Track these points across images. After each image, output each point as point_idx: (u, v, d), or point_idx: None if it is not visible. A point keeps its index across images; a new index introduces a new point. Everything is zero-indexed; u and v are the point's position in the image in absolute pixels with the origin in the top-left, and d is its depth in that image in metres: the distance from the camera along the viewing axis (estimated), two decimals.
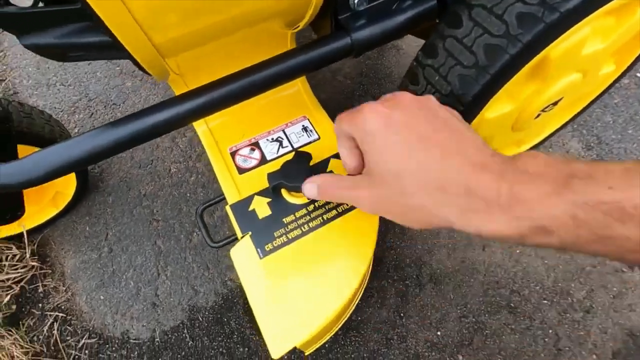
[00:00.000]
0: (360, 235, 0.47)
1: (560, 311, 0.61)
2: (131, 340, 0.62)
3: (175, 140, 0.82)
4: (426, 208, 0.27)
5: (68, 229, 0.73)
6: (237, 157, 0.56)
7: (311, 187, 0.38)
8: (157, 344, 0.61)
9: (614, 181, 0.21)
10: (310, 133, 0.58)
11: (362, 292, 0.59)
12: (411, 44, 0.95)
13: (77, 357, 0.60)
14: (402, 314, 0.62)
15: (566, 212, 0.22)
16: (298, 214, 0.45)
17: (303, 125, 0.59)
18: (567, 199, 0.22)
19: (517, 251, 0.66)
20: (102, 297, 0.66)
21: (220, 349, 0.61)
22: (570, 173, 0.23)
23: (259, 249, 0.44)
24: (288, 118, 0.60)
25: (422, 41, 0.48)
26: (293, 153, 0.52)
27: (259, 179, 0.54)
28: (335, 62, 0.47)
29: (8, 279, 0.64)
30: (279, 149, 0.57)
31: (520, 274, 0.65)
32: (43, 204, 0.69)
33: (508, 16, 0.37)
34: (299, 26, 0.48)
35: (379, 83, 0.89)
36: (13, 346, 0.55)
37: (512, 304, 0.62)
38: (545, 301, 0.62)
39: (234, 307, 0.64)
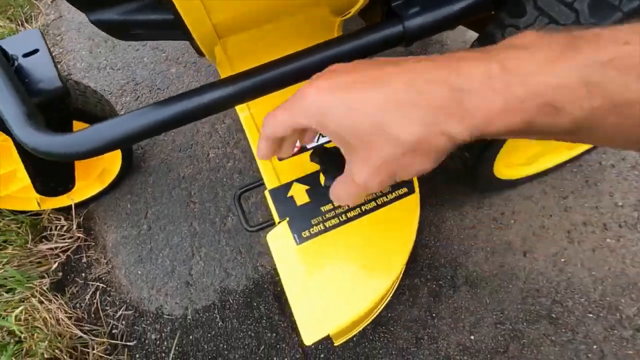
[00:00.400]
0: (398, 229, 0.46)
1: (607, 327, 0.58)
2: (165, 316, 0.64)
3: (215, 127, 0.84)
4: (422, 139, 0.22)
5: (111, 205, 0.76)
6: None
7: (337, 200, 0.33)
8: (188, 321, 0.63)
9: (629, 36, 0.17)
10: None
11: (395, 288, 0.58)
12: (456, 40, 0.92)
13: (115, 326, 0.63)
14: (434, 314, 0.60)
15: (576, 76, 0.18)
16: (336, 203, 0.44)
17: None
18: (575, 61, 0.18)
19: (562, 260, 0.63)
20: (139, 272, 0.68)
21: (249, 332, 0.61)
22: (572, 37, 0.19)
23: (295, 235, 0.43)
24: None
25: (471, 35, 0.46)
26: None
27: (298, 166, 0.54)
28: (378, 53, 0.46)
29: (56, 248, 0.68)
30: (319, 137, 0.57)
31: (564, 284, 0.61)
32: (90, 180, 0.73)
33: (579, 4, 0.34)
34: (349, 12, 0.47)
35: None
36: (59, 310, 0.59)
37: (553, 315, 0.59)
38: (591, 315, 0.58)
39: (264, 293, 0.64)
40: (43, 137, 0.39)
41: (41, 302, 0.59)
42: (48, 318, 0.57)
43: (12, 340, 0.56)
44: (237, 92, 0.43)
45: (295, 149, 0.57)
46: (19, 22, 1.12)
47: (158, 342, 0.62)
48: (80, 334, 0.58)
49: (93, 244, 0.72)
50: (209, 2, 0.30)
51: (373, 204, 0.45)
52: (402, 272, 0.48)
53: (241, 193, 0.57)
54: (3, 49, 0.51)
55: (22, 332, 0.56)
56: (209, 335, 0.62)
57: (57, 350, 0.55)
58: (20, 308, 0.57)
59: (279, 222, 0.45)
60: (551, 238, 0.65)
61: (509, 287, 0.62)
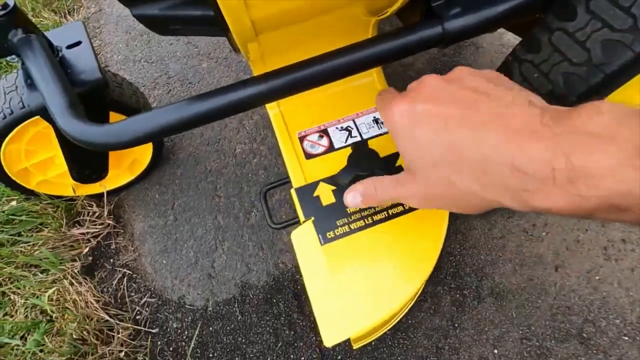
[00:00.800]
0: (426, 235, 0.45)
1: None
2: (186, 306, 0.65)
3: (242, 122, 0.85)
4: (474, 193, 0.24)
5: (140, 194, 0.78)
6: (305, 142, 0.57)
7: (354, 196, 0.37)
8: (209, 313, 0.64)
9: None
10: (381, 125, 0.57)
11: (418, 295, 0.57)
12: (493, 42, 0.89)
13: (139, 312, 0.64)
14: (456, 325, 0.59)
15: None
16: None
17: (374, 117, 0.57)
18: None
19: (597, 278, 0.60)
20: (164, 262, 0.70)
21: (267, 328, 0.62)
22: None
23: (320, 235, 0.43)
24: (359, 108, 0.58)
25: (507, 38, 0.44)
26: (354, 147, 0.52)
27: (325, 166, 0.53)
28: (414, 55, 0.45)
29: (88, 233, 0.71)
30: (347, 138, 0.56)
31: (598, 302, 0.58)
32: (121, 170, 0.75)
33: (637, 9, 0.32)
34: (387, 12, 0.46)
35: None
36: (88, 293, 0.61)
37: (584, 334, 0.56)
38: (626, 337, 0.55)
39: (284, 290, 0.65)
40: (84, 127, 0.40)
41: (72, 285, 0.62)
42: (78, 300, 0.59)
43: (44, 319, 0.58)
44: (270, 90, 0.43)
45: (323, 149, 0.56)
46: (62, 14, 1.16)
47: (179, 330, 0.63)
48: (106, 317, 0.60)
49: (122, 231, 0.74)
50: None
51: (400, 208, 0.45)
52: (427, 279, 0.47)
53: (267, 190, 0.57)
54: (49, 40, 0.54)
55: (53, 312, 0.58)
56: (228, 328, 0.62)
57: (84, 332, 0.57)
58: (53, 289, 0.60)
59: (304, 221, 0.45)
60: (586, 254, 0.62)
61: (538, 302, 0.59)
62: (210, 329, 0.63)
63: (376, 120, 0.57)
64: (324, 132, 0.57)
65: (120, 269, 0.69)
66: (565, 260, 0.62)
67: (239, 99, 0.42)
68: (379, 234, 0.43)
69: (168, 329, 0.63)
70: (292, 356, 0.59)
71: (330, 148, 0.56)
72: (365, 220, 0.44)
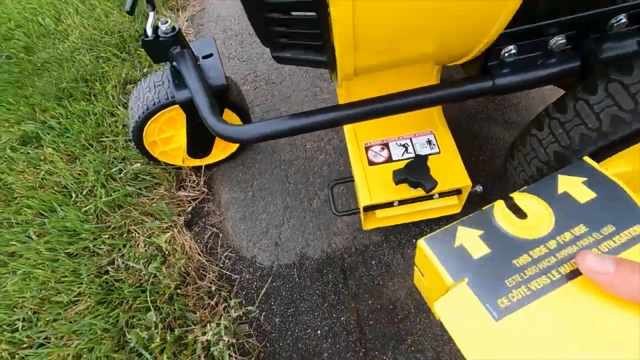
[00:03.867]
0: None
1: None
2: (257, 263, 0.84)
3: None
4: None
5: (227, 172, 0.98)
6: (370, 152, 0.72)
7: (603, 261, 0.25)
8: (274, 271, 0.83)
9: None
10: (433, 146, 0.70)
11: None
12: (529, 93, 0.97)
13: (223, 261, 0.84)
14: None
15: None
16: (535, 254, 0.29)
17: (428, 139, 0.71)
18: None
19: None
20: (242, 227, 0.89)
21: (317, 291, 0.79)
22: None
23: (488, 305, 0.27)
24: (417, 129, 0.72)
25: (547, 90, 0.55)
26: (417, 157, 0.65)
27: (384, 174, 0.69)
28: (469, 100, 0.58)
29: (188, 196, 0.92)
30: (404, 153, 0.71)
31: None
32: (217, 150, 0.95)
33: None
34: (456, 62, 0.60)
35: (503, 111, 0.94)
36: (191, 241, 0.82)
37: None
38: None
39: (333, 265, 0.81)
40: (223, 126, 0.59)
41: (180, 232, 0.83)
42: (184, 244, 0.80)
43: (159, 255, 0.80)
44: (352, 115, 0.58)
45: (383, 159, 0.71)
46: (175, 10, 1.39)
47: (250, 281, 0.82)
48: (203, 260, 0.81)
49: (212, 198, 0.94)
50: (359, 54, 0.45)
51: (596, 251, 0.28)
52: None
53: (334, 184, 0.73)
54: (192, 52, 0.73)
55: (167, 250, 0.79)
56: (288, 286, 0.80)
57: (188, 268, 0.77)
58: (168, 234, 0.81)
59: (452, 286, 0.29)
60: None
61: None
62: (274, 284, 0.81)
63: (429, 142, 0.71)
64: (386, 146, 0.72)
65: (210, 228, 0.89)
66: None
67: (331, 119, 0.58)
68: (582, 294, 0.27)
69: (242, 279, 0.83)
70: (334, 315, 0.76)
71: (389, 159, 0.71)
72: (550, 275, 0.28)
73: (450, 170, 0.67)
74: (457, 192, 0.69)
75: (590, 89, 0.48)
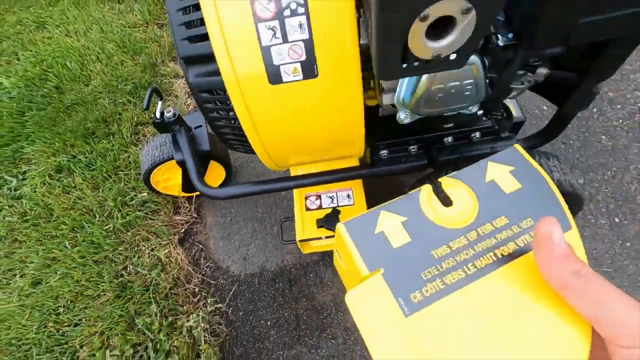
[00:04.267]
0: None
1: None
2: (229, 272, 1.16)
3: None
4: None
5: (212, 201, 1.30)
6: (307, 200, 1.04)
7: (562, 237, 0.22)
8: (241, 279, 1.15)
9: None
10: (350, 199, 1.02)
11: None
12: None
13: (205, 270, 1.16)
14: None
15: None
16: (454, 245, 0.27)
17: (348, 194, 1.03)
18: None
19: None
20: (221, 244, 1.21)
21: (270, 294, 1.11)
22: None
23: (401, 300, 0.25)
24: (341, 186, 1.04)
25: None
26: (332, 208, 0.97)
27: (315, 217, 1.00)
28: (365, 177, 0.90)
29: (182, 220, 1.24)
30: (330, 202, 1.03)
31: None
32: None
33: None
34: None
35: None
36: (182, 254, 1.14)
37: None
38: None
39: (283, 275, 1.13)
40: (205, 188, 0.90)
41: (174, 248, 1.15)
42: (177, 257, 1.12)
43: (159, 264, 1.12)
44: (294, 185, 0.90)
45: (315, 206, 1.03)
46: (179, 62, 1.70)
47: (224, 285, 1.14)
48: (190, 269, 1.13)
49: (200, 221, 1.26)
50: (273, 157, 0.77)
51: (513, 245, 0.26)
52: None
53: (284, 221, 1.05)
54: (187, 126, 1.04)
55: (165, 261, 1.12)
56: (250, 289, 1.13)
57: (180, 275, 1.10)
58: (166, 250, 1.13)
59: (366, 277, 0.26)
60: None
61: None
62: (240, 288, 1.13)
63: (348, 196, 1.03)
64: (319, 196, 1.04)
65: (197, 244, 1.21)
66: None
67: (284, 186, 0.90)
68: (493, 290, 0.25)
69: (218, 283, 1.15)
70: (280, 312, 1.08)
71: (320, 207, 1.02)
72: (465, 268, 0.26)
73: (351, 216, 0.99)
74: None
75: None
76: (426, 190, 0.29)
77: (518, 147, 0.29)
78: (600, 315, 0.20)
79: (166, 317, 1.03)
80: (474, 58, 0.49)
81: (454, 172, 0.29)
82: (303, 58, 0.51)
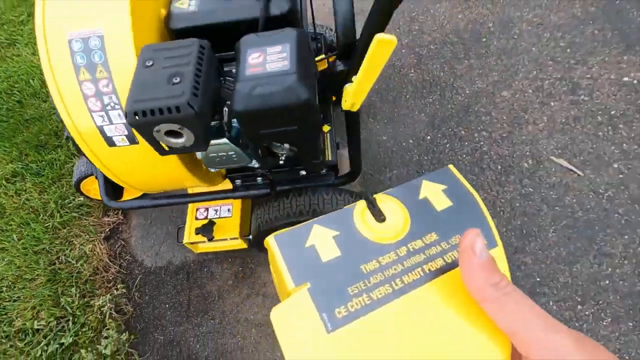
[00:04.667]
0: None
1: None
2: (143, 265, 1.46)
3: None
4: None
5: None
6: (197, 212, 1.33)
7: (484, 247, 0.22)
8: (152, 270, 1.44)
9: None
10: (230, 212, 1.32)
11: None
12: None
13: (123, 262, 1.46)
14: None
15: None
16: (384, 260, 0.26)
17: (229, 208, 1.32)
18: None
19: None
20: (140, 242, 1.51)
21: (171, 284, 1.40)
22: None
23: (325, 316, 0.24)
24: (224, 202, 1.34)
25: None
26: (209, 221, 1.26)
27: (197, 226, 1.30)
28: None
29: (110, 221, 1.53)
30: (214, 214, 1.32)
31: None
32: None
33: None
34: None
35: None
36: (104, 249, 1.43)
37: None
38: None
39: (184, 269, 1.42)
40: (109, 202, 1.19)
41: (99, 244, 1.44)
42: (99, 251, 1.41)
43: (85, 256, 1.42)
44: (185, 201, 1.19)
45: (203, 217, 1.32)
46: None
47: (137, 274, 1.44)
48: (109, 261, 1.42)
49: (126, 222, 1.55)
50: (135, 187, 1.06)
51: (441, 261, 0.26)
52: None
53: (180, 227, 1.34)
54: None
55: (89, 254, 1.41)
56: (157, 279, 1.42)
57: (100, 265, 1.39)
58: (90, 245, 1.43)
59: (293, 290, 0.25)
60: None
61: None
62: (149, 277, 1.43)
63: (229, 210, 1.32)
64: (207, 209, 1.33)
65: (121, 241, 1.51)
66: None
67: (169, 202, 1.19)
68: (418, 305, 0.24)
69: (132, 273, 1.44)
70: (177, 297, 1.38)
71: (206, 217, 1.32)
72: (393, 283, 0.25)
73: (231, 226, 1.28)
74: (235, 238, 1.30)
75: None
76: (360, 205, 0.28)
77: (452, 167, 0.31)
78: (516, 328, 0.20)
79: (84, 298, 1.33)
80: (223, 140, 0.77)
81: (389, 189, 0.29)
82: (126, 133, 0.79)
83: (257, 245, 1.19)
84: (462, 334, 0.23)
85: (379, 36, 0.54)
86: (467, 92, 1.61)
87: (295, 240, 0.27)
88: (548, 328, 0.19)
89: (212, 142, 0.77)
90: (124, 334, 1.29)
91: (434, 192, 0.29)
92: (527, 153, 1.43)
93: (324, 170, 1.11)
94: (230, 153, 0.81)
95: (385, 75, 1.72)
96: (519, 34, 1.71)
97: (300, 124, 0.68)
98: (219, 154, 0.81)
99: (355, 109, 0.68)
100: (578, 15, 1.70)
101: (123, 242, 1.51)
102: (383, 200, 0.29)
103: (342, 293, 0.24)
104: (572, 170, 1.37)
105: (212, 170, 0.98)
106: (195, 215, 1.32)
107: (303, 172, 1.11)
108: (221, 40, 0.73)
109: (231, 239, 1.30)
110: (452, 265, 0.25)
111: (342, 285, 0.25)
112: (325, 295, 0.24)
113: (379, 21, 0.61)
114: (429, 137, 1.54)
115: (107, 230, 1.52)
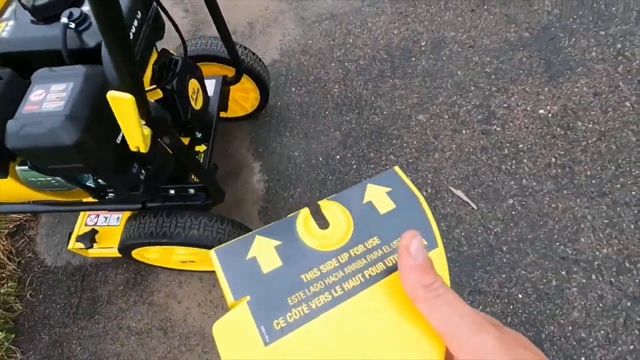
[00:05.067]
0: None
1: None
2: (44, 263, 1.48)
3: None
4: None
5: None
6: (88, 218, 1.34)
7: (419, 249, 0.22)
8: (51, 269, 1.46)
9: None
10: (118, 221, 1.33)
11: None
12: None
13: (25, 259, 1.49)
14: None
15: None
16: (325, 267, 0.26)
17: (118, 217, 1.33)
18: None
19: None
20: (45, 240, 1.53)
21: (66, 285, 1.43)
22: None
23: (263, 328, 0.23)
24: (111, 212, 1.35)
25: None
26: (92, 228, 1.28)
27: (84, 232, 1.31)
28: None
29: (17, 217, 1.55)
30: (104, 221, 1.33)
31: None
32: None
33: None
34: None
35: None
36: (6, 244, 1.46)
37: None
38: None
39: (80, 271, 1.45)
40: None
41: (2, 240, 1.47)
42: (0, 247, 1.44)
43: None
44: (66, 209, 1.20)
45: (92, 223, 1.34)
46: None
47: (36, 272, 1.46)
48: (7, 256, 1.45)
49: (35, 219, 1.58)
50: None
51: (382, 265, 0.26)
52: None
53: (70, 231, 1.36)
54: None
55: None
56: (54, 279, 1.45)
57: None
58: None
59: (233, 304, 0.25)
60: None
61: None
62: (47, 277, 1.45)
63: (118, 218, 1.33)
64: (97, 215, 1.35)
65: (26, 237, 1.53)
66: None
67: (50, 209, 1.20)
68: (357, 312, 0.24)
69: (32, 271, 1.47)
70: (68, 299, 1.40)
71: (96, 224, 1.33)
72: (333, 291, 0.25)
73: (114, 236, 1.29)
74: (112, 248, 1.31)
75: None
76: (304, 213, 0.28)
77: (397, 169, 0.30)
78: (445, 329, 0.20)
79: None
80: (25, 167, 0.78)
81: (334, 195, 0.29)
82: None
83: (125, 256, 1.20)
84: (398, 337, 0.23)
85: (110, 93, 0.54)
86: (385, 112, 1.59)
87: (236, 253, 0.26)
88: (474, 329, 0.19)
89: (18, 168, 0.78)
90: (8, 332, 1.32)
91: (378, 195, 0.29)
92: (429, 181, 1.42)
93: (192, 191, 1.11)
94: (48, 179, 0.82)
95: (309, 90, 1.70)
96: (448, 56, 1.67)
97: (85, 162, 0.68)
98: (38, 178, 0.82)
99: (143, 150, 0.68)
100: (511, 39, 1.66)
101: (27, 239, 1.53)
102: (326, 206, 0.28)
103: (282, 304, 0.24)
104: (467, 203, 1.36)
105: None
106: (84, 222, 1.33)
107: (172, 191, 1.11)
108: (26, 70, 0.73)
109: (109, 248, 1.32)
110: (393, 269, 0.25)
111: (282, 296, 0.24)
112: (264, 307, 0.24)
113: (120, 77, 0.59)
114: (338, 157, 1.53)
115: (13, 226, 1.54)
